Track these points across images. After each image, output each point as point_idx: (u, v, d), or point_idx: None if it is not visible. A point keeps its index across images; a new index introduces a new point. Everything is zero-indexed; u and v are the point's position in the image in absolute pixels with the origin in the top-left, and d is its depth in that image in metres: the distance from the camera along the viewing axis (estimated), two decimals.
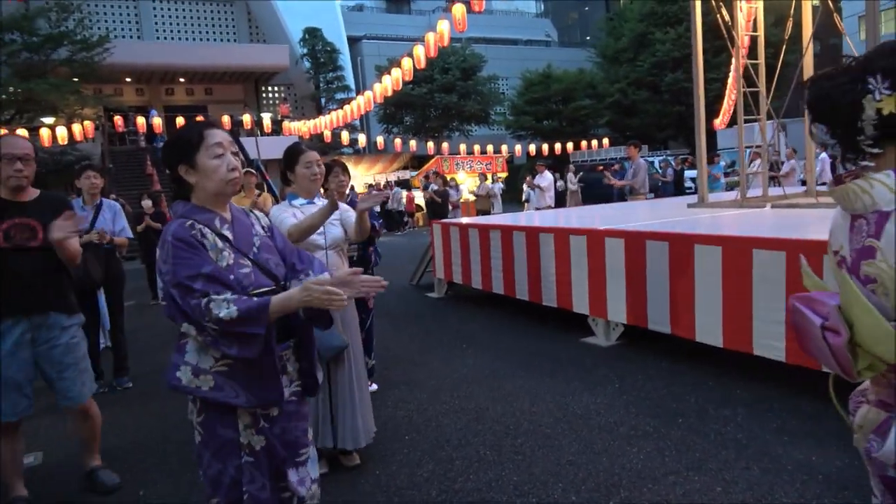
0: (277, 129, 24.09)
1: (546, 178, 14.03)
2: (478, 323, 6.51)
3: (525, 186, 17.97)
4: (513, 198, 21.92)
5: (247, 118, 21.83)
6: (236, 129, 20.84)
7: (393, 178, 24.99)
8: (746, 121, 7.64)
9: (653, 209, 7.77)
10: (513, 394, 4.28)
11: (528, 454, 3.33)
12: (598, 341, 5.29)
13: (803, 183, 12.96)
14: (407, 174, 25.30)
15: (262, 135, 20.90)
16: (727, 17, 6.83)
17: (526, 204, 18.10)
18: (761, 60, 7.23)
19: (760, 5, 7.36)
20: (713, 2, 6.87)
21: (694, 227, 5.27)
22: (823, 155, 14.20)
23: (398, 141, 23.65)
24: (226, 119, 20.00)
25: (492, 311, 6.93)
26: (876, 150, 1.19)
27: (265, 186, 7.63)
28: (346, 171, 4.07)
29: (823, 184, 10.39)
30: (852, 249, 1.22)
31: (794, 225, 4.98)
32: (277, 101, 29.52)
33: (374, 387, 4.52)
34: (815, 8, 7.33)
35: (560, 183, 17.89)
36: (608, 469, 3.10)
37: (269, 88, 30.71)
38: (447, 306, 7.56)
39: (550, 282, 5.81)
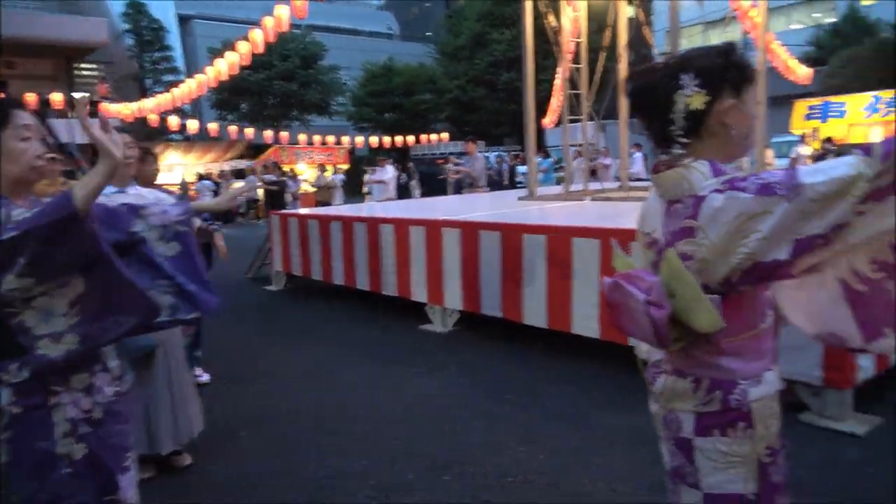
0: (94, 110, 21.91)
1: (388, 172, 14.14)
2: (318, 315, 6.45)
3: (366, 178, 17.96)
4: (355, 190, 21.81)
5: (57, 97, 19.61)
6: (44, 110, 18.65)
7: (227, 167, 23.77)
8: (571, 121, 8.28)
9: (487, 202, 8.15)
10: (353, 383, 4.31)
11: (369, 439, 3.39)
12: (436, 328, 5.47)
13: (618, 178, 14.30)
14: (243, 163, 24.19)
15: (72, 116, 18.92)
16: (554, 23, 7.32)
17: (368, 196, 18.11)
18: (584, 65, 7.85)
19: (584, 14, 7.97)
20: (543, 8, 7.33)
21: (523, 218, 5.62)
22: (637, 154, 15.74)
23: (233, 128, 22.53)
24: (31, 97, 17.81)
25: (332, 303, 6.90)
26: (685, 140, 1.32)
27: (76, 173, 6.94)
28: (156, 158, 3.87)
29: (638, 179, 11.54)
30: (667, 231, 1.32)
31: (609, 215, 5.50)
32: (95, 81, 26.82)
33: (206, 377, 4.34)
34: (630, 20, 8.10)
35: (403, 176, 18.12)
36: (445, 447, 3.24)
37: (85, 66, 27.80)
38: (286, 299, 7.40)
39: (390, 271, 5.91)
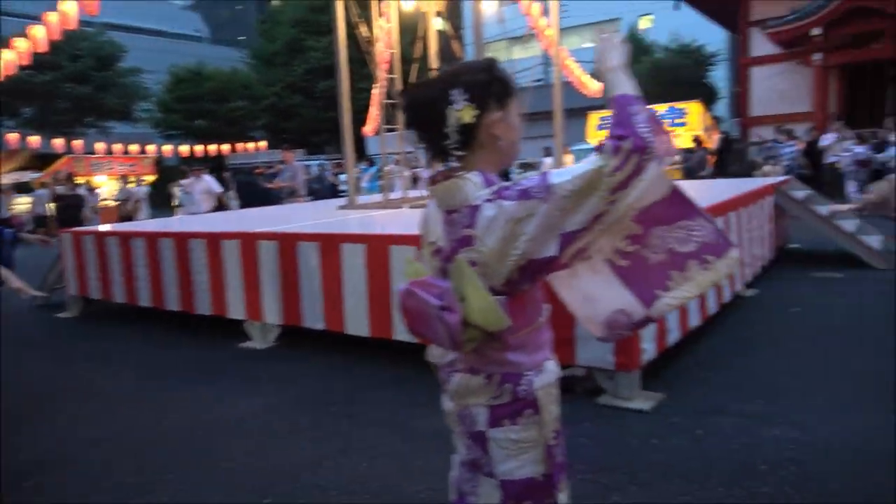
0: None
1: (203, 183, 13.24)
2: (122, 340, 5.90)
3: (177, 190, 16.82)
4: (163, 202, 20.27)
5: None
6: None
7: (7, 180, 20.89)
8: (388, 130, 8.40)
9: (307, 212, 8.00)
10: (166, 407, 4.00)
11: (183, 466, 3.16)
12: (256, 344, 5.26)
13: None
14: (28, 175, 21.44)
15: None
16: (367, 34, 7.39)
17: (178, 209, 16.93)
18: (398, 75, 8.00)
19: (396, 26, 8.12)
20: (355, 19, 7.36)
21: (342, 227, 5.60)
22: None
23: (13, 136, 19.89)
24: None
25: (138, 327, 6.35)
26: (460, 153, 1.39)
27: None
28: None
29: None
30: (450, 240, 1.40)
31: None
32: None
33: None
34: (439, 33, 8.42)
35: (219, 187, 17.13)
36: (265, 468, 3.12)
37: None
38: (85, 325, 6.67)
39: (203, 289, 5.57)
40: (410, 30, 8.46)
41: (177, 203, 17.26)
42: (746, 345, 4.61)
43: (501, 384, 1.44)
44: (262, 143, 26.93)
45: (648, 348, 3.75)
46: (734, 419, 3.34)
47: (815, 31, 15.58)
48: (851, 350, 4.32)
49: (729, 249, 1.45)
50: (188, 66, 31.14)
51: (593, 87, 17.17)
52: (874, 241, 6.89)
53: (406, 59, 8.26)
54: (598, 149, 1.31)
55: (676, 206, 1.44)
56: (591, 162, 1.31)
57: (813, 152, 13.84)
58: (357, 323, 4.63)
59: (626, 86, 1.38)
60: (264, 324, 5.25)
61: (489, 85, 1.39)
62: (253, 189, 17.66)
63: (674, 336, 4.11)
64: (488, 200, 1.34)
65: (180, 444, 3.48)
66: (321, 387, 4.23)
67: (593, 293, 1.53)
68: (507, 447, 1.46)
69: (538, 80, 22.32)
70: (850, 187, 12.30)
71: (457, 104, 1.35)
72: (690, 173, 12.63)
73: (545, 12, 8.99)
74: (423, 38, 8.06)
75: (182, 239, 5.75)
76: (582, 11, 31.55)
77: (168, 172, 26.13)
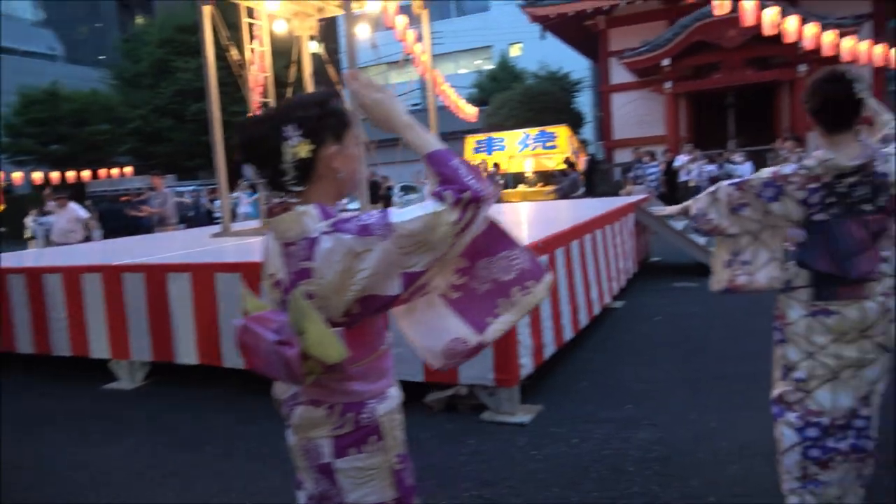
0: None
1: (69, 211, 12.04)
2: None
3: (30, 221, 15.44)
4: (14, 234, 18.47)
5: None
6: None
7: None
8: None
9: (178, 240, 7.62)
10: (21, 460, 3.62)
11: None
12: (123, 385, 4.91)
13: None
14: None
15: None
16: (238, 57, 7.22)
17: (32, 242, 15.51)
18: (271, 99, 7.85)
19: (268, 49, 7.98)
20: (225, 41, 7.15)
21: (215, 256, 5.39)
22: None
23: None
24: None
25: None
26: (298, 188, 1.40)
27: None
28: None
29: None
30: (289, 272, 1.38)
31: None
32: None
33: None
34: (315, 56, 8.37)
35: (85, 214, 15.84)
36: None
37: None
38: None
39: (61, 328, 5.14)
40: (286, 53, 8.36)
41: (29, 235, 15.79)
42: (615, 354, 4.91)
43: (343, 414, 1.45)
44: (128, 169, 25.25)
45: (526, 363, 3.90)
46: (606, 425, 3.54)
47: (665, 62, 17.05)
48: (704, 354, 4.72)
49: (544, 275, 1.54)
50: (41, 86, 28.74)
51: (469, 111, 17.75)
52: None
53: (281, 83, 8.15)
54: (437, 195, 1.34)
55: (497, 239, 1.52)
56: (429, 206, 1.33)
57: (669, 172, 15.07)
58: (234, 355, 4.45)
59: (433, 142, 1.40)
60: (132, 362, 4.91)
61: (324, 119, 1.40)
62: (117, 217, 16.57)
63: (549, 350, 4.30)
64: (326, 233, 1.34)
65: (37, 498, 3.17)
66: (198, 425, 4.02)
67: (431, 325, 1.55)
68: (355, 476, 1.46)
69: (415, 105, 22.76)
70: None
71: (291, 140, 1.36)
72: (565, 194, 13.29)
73: (419, 38, 9.20)
74: (298, 61, 7.99)
75: (34, 274, 5.28)
76: (455, 38, 32.61)
77: (18, 202, 23.87)
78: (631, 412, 3.71)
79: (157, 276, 4.73)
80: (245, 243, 6.51)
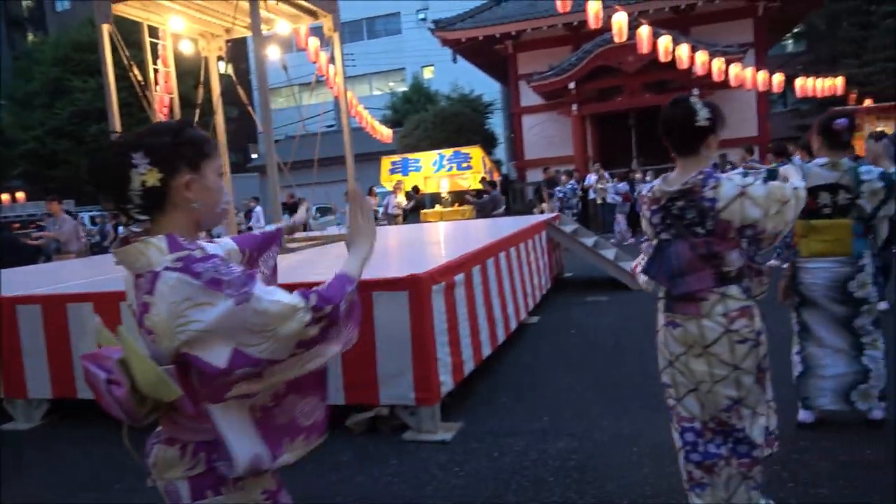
0: None
1: None
2: None
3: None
4: None
5: None
6: None
7: None
8: None
9: (79, 269, 7.20)
10: None
11: None
12: (19, 426, 4.58)
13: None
14: None
15: None
16: (140, 78, 6.97)
17: None
18: (177, 118, 7.62)
19: (173, 69, 7.76)
20: (126, 61, 6.90)
21: (120, 284, 5.13)
22: (258, 207, 15.84)
23: None
24: None
25: None
26: (143, 217, 1.35)
27: None
28: None
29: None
30: (138, 304, 1.32)
31: None
32: None
33: None
34: (223, 76, 8.20)
35: None
36: None
37: None
38: None
39: None
40: (194, 73, 8.14)
41: None
42: (533, 368, 5.04)
43: (196, 454, 1.38)
44: (20, 195, 23.66)
45: (446, 381, 3.94)
46: (525, 437, 3.63)
47: (570, 86, 17.81)
48: (617, 363, 4.92)
49: (321, 436, 1.50)
50: None
51: (384, 132, 17.85)
52: (629, 265, 7.97)
53: (190, 104, 7.94)
54: (304, 294, 1.33)
55: (315, 383, 1.48)
56: (292, 298, 1.31)
57: (579, 191, 15.70)
58: None
59: (355, 266, 1.46)
60: (29, 400, 4.60)
61: (177, 147, 1.36)
62: (9, 246, 15.45)
63: (469, 367, 4.36)
64: (169, 268, 1.28)
65: None
66: (107, 461, 3.80)
67: (241, 430, 1.38)
68: None
69: (330, 126, 22.64)
70: (619, 219, 14.17)
71: (140, 167, 1.32)
72: (486, 213, 13.47)
73: (332, 60, 9.20)
74: (206, 82, 7.80)
75: None
76: (368, 60, 32.77)
77: None
78: (549, 423, 3.82)
79: (55, 306, 4.46)
80: None
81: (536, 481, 3.10)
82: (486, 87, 27.40)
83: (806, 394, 3.41)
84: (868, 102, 17.10)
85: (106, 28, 6.59)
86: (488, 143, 22.97)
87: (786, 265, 3.59)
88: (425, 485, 3.18)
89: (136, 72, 6.89)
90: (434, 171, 18.23)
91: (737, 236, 2.28)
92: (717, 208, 2.22)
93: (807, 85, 15.81)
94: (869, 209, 3.23)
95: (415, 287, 3.74)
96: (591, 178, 15.87)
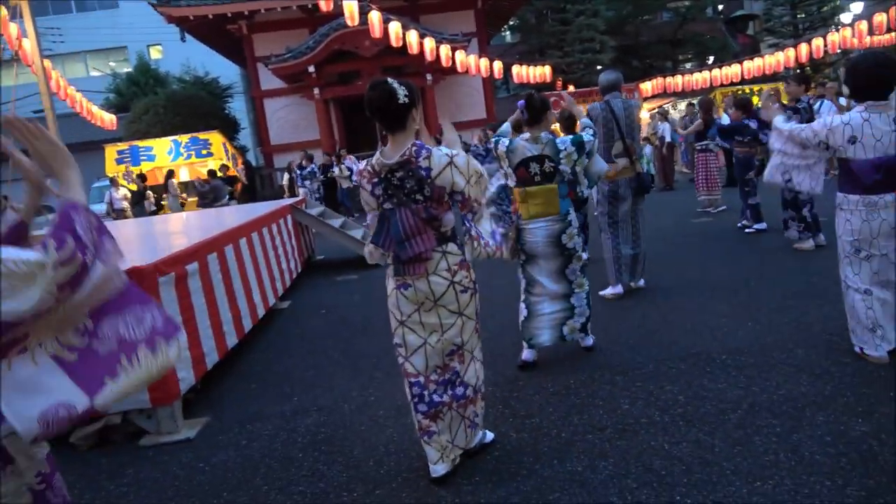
0: None
1: None
2: None
3: None
4: None
5: None
6: None
7: None
8: None
9: None
10: None
11: None
12: None
13: None
14: None
15: None
16: None
17: None
18: None
19: None
20: None
21: None
22: None
23: None
24: None
25: None
26: None
27: None
28: None
29: None
30: None
31: None
32: None
33: None
34: None
35: None
36: None
37: None
38: None
39: None
40: None
41: None
42: (283, 351, 5.00)
43: None
44: None
45: (186, 376, 3.73)
46: (274, 420, 3.61)
47: (310, 69, 17.66)
48: (364, 337, 5.10)
49: (177, 332, 1.49)
50: None
51: (106, 118, 15.98)
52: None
53: None
54: (43, 243, 1.29)
55: (129, 297, 1.47)
56: (37, 253, 1.27)
57: (326, 175, 15.76)
58: None
59: (76, 192, 1.43)
60: None
61: None
62: None
63: (212, 359, 4.18)
64: None
65: None
66: None
67: (29, 387, 1.34)
68: None
69: (38, 112, 19.66)
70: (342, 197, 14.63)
71: None
72: (208, 203, 12.71)
73: (25, 35, 7.95)
74: None
75: None
76: (85, 37, 28.90)
77: None
78: (298, 403, 3.84)
79: None
80: None
81: (285, 460, 3.10)
82: (223, 69, 25.95)
83: (529, 335, 3.94)
84: (571, 88, 19.73)
85: None
86: (230, 128, 21.82)
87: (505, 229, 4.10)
88: (167, 488, 2.99)
89: None
90: (171, 159, 16.83)
91: (449, 200, 2.58)
92: (432, 176, 2.49)
93: (522, 72, 17.74)
94: (569, 170, 3.84)
95: (139, 280, 3.45)
96: (347, 162, 15.95)
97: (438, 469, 2.67)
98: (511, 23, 28.14)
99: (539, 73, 18.22)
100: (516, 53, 26.88)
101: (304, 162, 15.87)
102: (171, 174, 15.19)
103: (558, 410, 3.27)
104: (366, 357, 4.53)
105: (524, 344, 3.97)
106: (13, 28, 9.24)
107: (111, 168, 16.43)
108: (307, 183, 15.33)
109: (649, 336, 4.26)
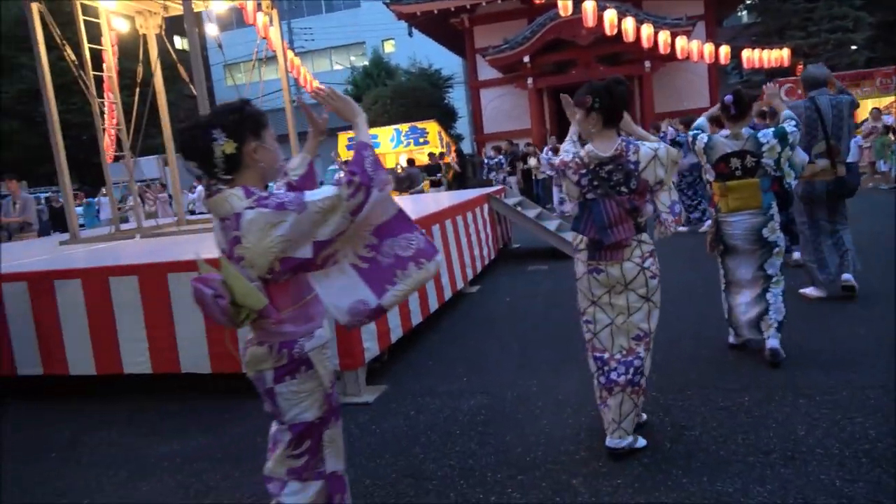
0: None
1: None
2: None
3: None
4: None
5: None
6: None
7: None
8: (116, 157, 7.91)
9: (20, 250, 7.21)
10: None
11: None
12: None
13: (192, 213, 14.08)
14: None
15: None
16: (74, 58, 6.92)
17: None
18: (118, 101, 7.57)
19: (108, 48, 7.68)
20: (60, 40, 6.84)
21: (60, 263, 5.22)
22: (200, 187, 15.74)
23: None
24: None
25: None
26: (227, 177, 1.83)
27: None
28: None
29: (192, 212, 11.43)
30: (226, 241, 1.81)
31: (152, 251, 5.50)
32: None
33: None
34: (177, 51, 8.14)
35: None
36: None
37: None
38: None
39: None
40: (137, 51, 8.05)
41: None
42: (463, 334, 5.29)
43: (280, 350, 1.89)
44: None
45: (371, 347, 4.15)
46: (442, 397, 3.87)
47: (525, 59, 17.93)
48: (539, 328, 5.19)
49: (436, 255, 1.97)
50: None
51: None
52: (569, 235, 8.23)
53: (146, 82, 7.83)
54: (338, 181, 1.79)
55: (401, 223, 1.96)
56: (334, 189, 1.79)
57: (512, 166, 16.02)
58: (81, 362, 4.38)
59: (363, 135, 1.90)
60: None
61: (242, 122, 1.83)
62: None
63: (396, 334, 4.58)
64: (249, 208, 1.76)
65: None
66: (40, 433, 3.95)
67: (340, 287, 1.92)
68: (290, 398, 1.93)
69: (291, 102, 22.31)
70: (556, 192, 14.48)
71: (219, 140, 1.78)
72: (403, 190, 13.40)
73: (281, 36, 9.19)
74: (146, 60, 7.76)
75: None
76: (327, 35, 32.34)
77: None
78: (466, 384, 4.07)
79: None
80: (93, 250, 6.30)
81: (444, 434, 3.34)
82: (446, 61, 27.31)
83: (733, 325, 4.07)
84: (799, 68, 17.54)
85: (35, 7, 6.52)
86: (448, 118, 22.98)
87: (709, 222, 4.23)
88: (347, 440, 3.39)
89: (70, 51, 6.84)
90: (392, 147, 18.27)
91: (649, 192, 2.79)
92: (640, 170, 2.71)
93: (753, 56, 16.21)
94: (772, 163, 3.74)
95: None
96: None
97: (608, 442, 2.88)
98: (747, 1, 25.73)
99: (775, 56, 16.49)
100: (752, 35, 24.51)
101: (494, 152, 16.19)
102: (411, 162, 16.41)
103: (722, 427, 3.08)
104: (537, 349, 4.62)
105: (730, 330, 4.13)
106: (273, 31, 10.73)
107: (343, 153, 18.28)
108: (492, 174, 15.64)
109: (850, 356, 3.78)
